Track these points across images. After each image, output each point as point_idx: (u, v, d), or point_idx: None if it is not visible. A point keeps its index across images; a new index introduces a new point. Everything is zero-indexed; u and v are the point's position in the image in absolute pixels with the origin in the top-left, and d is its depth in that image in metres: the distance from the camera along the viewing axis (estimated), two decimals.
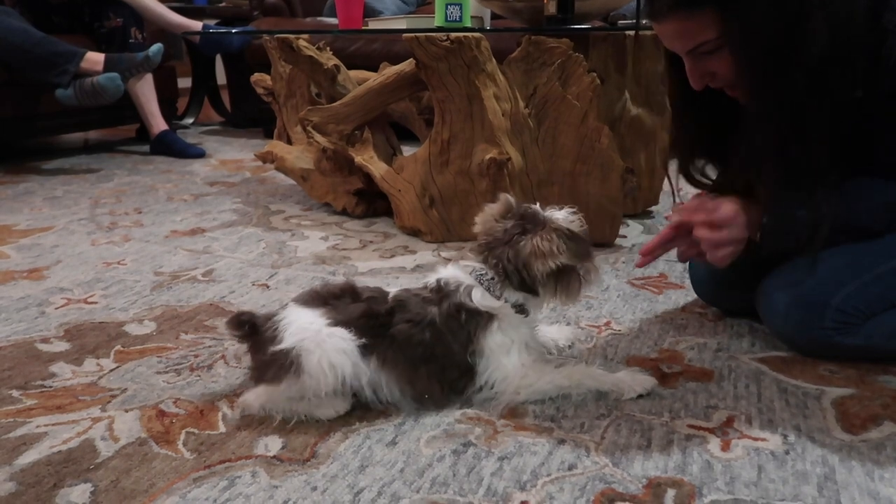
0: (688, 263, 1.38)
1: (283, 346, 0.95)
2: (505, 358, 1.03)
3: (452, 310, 1.02)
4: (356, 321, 0.99)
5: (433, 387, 1.02)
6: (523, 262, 1.01)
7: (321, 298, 1.03)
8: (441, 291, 1.04)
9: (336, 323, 0.98)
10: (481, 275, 1.04)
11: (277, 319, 0.99)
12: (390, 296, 1.05)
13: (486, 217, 1.08)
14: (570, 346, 1.21)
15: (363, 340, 0.98)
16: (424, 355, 1.01)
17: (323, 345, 0.95)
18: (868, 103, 1.00)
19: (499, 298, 1.03)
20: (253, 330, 1.01)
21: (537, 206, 1.06)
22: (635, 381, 1.05)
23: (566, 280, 1.03)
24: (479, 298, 1.02)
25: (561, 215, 1.03)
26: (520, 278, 1.03)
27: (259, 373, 1.00)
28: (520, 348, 1.04)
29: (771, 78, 0.97)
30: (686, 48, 1.02)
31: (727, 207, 1.07)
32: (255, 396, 0.99)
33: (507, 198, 1.08)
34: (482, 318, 1.02)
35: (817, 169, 1.00)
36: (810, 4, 0.92)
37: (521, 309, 1.05)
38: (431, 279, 1.07)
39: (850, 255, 1.10)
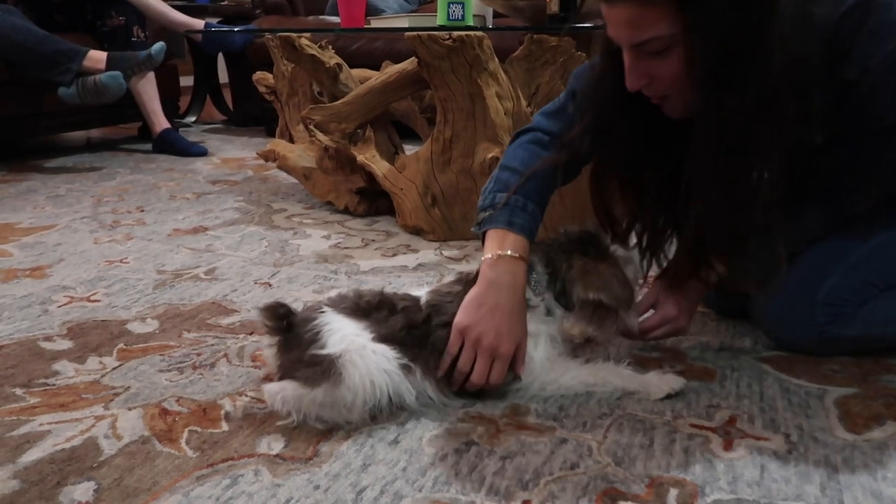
0: None
1: (327, 350, 0.94)
2: (533, 350, 1.03)
3: None
4: (398, 335, 0.99)
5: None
6: (570, 278, 1.03)
7: (361, 310, 1.02)
8: (473, 283, 1.04)
9: (380, 338, 0.97)
10: (531, 268, 1.05)
11: (319, 323, 0.98)
12: (423, 301, 1.05)
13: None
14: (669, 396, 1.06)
15: (406, 358, 0.97)
16: None
17: (368, 361, 0.94)
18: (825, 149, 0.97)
19: (536, 297, 1.05)
20: (289, 326, 1.00)
21: (602, 234, 1.07)
22: (663, 381, 1.04)
23: (603, 315, 1.04)
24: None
25: (622, 253, 1.05)
26: (562, 290, 1.04)
27: (290, 369, 0.98)
28: (546, 341, 1.04)
29: (722, 90, 0.90)
30: (633, 40, 0.93)
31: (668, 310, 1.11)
32: (280, 390, 0.97)
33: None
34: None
35: (764, 202, 0.94)
36: (771, 22, 0.88)
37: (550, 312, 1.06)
38: (467, 270, 1.08)
39: (826, 248, 1.12)
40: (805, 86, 0.92)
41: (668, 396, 1.03)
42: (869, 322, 1.10)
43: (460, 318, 1.01)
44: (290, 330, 1.00)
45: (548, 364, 1.03)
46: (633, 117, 1.03)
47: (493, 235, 1.06)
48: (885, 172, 1.07)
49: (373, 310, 1.02)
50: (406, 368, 0.98)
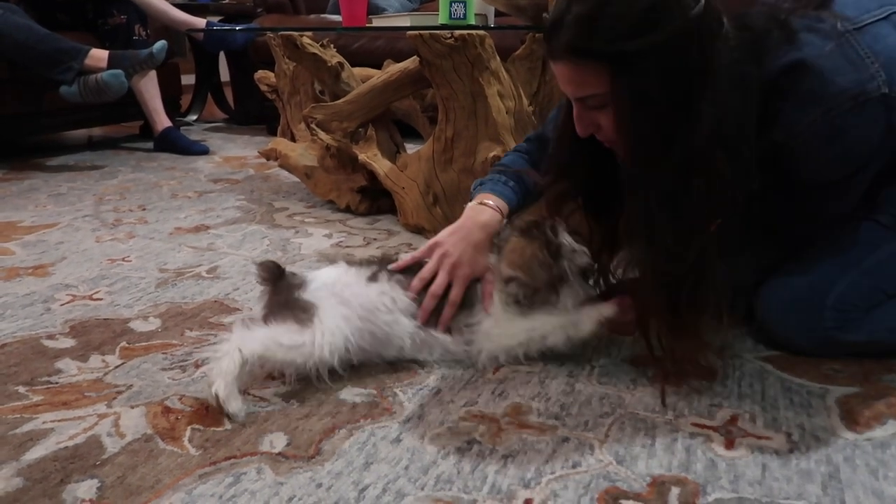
0: None
1: (305, 295, 1.07)
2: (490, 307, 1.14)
3: None
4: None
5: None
6: (502, 255, 1.14)
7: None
8: None
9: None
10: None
11: (306, 274, 1.12)
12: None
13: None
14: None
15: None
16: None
17: (334, 303, 1.06)
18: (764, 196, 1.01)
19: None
20: (279, 276, 1.12)
21: (563, 228, 1.12)
22: (594, 310, 1.10)
23: (527, 291, 1.11)
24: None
25: (568, 242, 1.10)
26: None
27: (269, 313, 1.07)
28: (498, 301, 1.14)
29: (648, 149, 0.95)
30: (575, 94, 1.00)
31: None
32: (255, 339, 1.03)
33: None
34: None
35: (696, 249, 0.96)
36: (704, 88, 0.91)
37: None
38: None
39: (837, 253, 1.11)
40: (738, 142, 0.96)
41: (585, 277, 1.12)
42: (875, 328, 1.10)
43: (437, 236, 1.19)
44: (279, 280, 1.11)
45: (496, 320, 1.12)
46: (591, 156, 1.10)
47: (477, 196, 1.24)
48: (832, 215, 1.12)
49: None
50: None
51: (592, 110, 1.01)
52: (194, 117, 4.12)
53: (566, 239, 1.11)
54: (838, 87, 0.96)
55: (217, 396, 0.98)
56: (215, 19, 3.80)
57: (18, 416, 1.00)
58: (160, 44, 2.89)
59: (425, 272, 1.15)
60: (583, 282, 1.13)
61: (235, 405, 0.98)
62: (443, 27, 1.74)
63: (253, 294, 1.46)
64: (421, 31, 1.63)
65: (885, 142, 1.01)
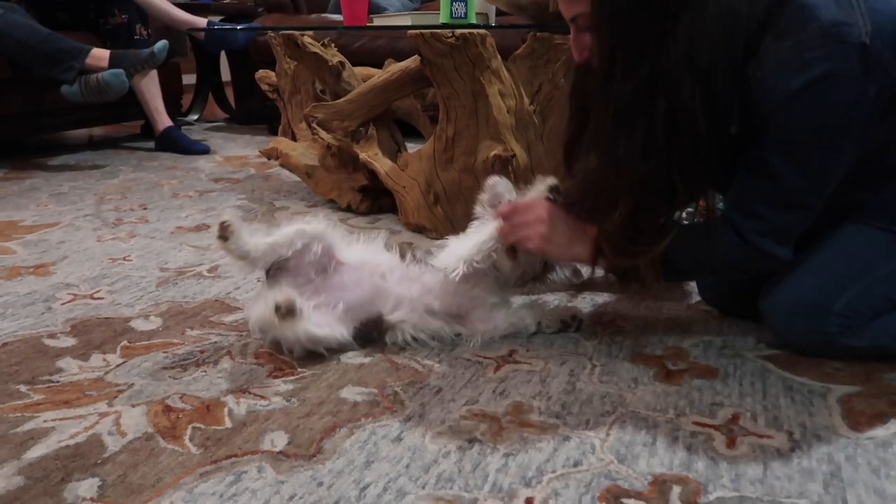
0: None
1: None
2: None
3: None
4: None
5: None
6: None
7: None
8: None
9: None
10: None
11: None
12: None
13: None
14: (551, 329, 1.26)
15: None
16: None
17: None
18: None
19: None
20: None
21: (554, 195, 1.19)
22: (562, 310, 1.28)
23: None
24: None
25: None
26: None
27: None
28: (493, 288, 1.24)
29: (620, 66, 0.98)
30: (567, 15, 1.05)
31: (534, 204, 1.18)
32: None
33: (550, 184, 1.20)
34: None
35: (635, 174, 1.01)
36: (683, 8, 0.93)
37: None
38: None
39: (849, 258, 1.09)
40: (712, 74, 0.96)
41: (564, 326, 1.24)
42: (878, 335, 1.08)
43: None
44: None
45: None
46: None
47: None
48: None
49: None
50: None
51: (582, 32, 1.04)
52: (195, 117, 4.12)
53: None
54: (815, 20, 0.94)
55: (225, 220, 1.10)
56: (216, 19, 3.80)
57: (19, 414, 1.01)
58: (161, 43, 2.89)
59: (517, 210, 1.18)
60: None
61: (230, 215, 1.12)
62: (444, 26, 1.75)
63: (254, 293, 1.46)
64: (422, 31, 1.63)
65: (860, 106, 0.96)
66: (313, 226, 1.20)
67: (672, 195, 1.04)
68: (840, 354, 1.12)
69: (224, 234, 1.11)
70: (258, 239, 1.15)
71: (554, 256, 1.22)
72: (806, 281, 1.10)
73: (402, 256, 1.28)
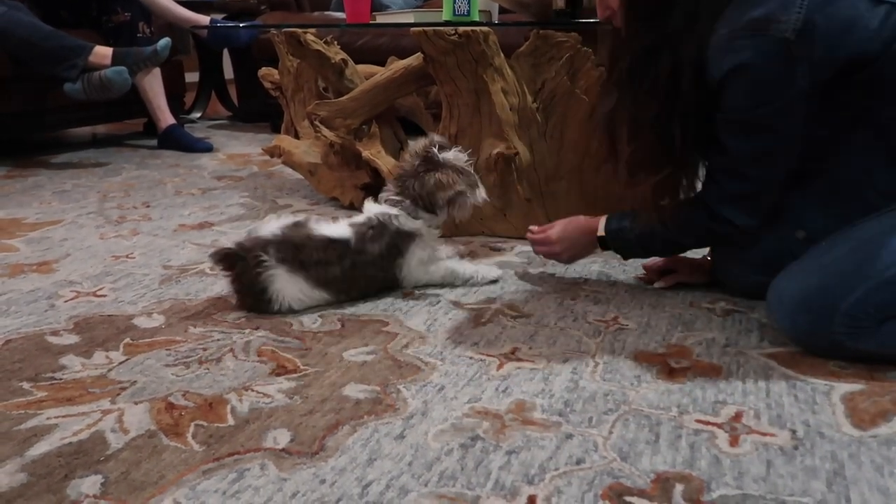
0: (709, 248, 1.42)
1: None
2: (421, 268, 1.44)
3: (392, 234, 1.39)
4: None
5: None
6: (428, 191, 1.38)
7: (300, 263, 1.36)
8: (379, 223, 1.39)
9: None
10: (400, 202, 1.41)
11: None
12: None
13: (407, 152, 1.47)
14: (494, 281, 1.50)
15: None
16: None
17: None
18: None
19: (416, 219, 1.41)
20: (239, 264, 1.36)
21: (435, 150, 1.40)
22: (487, 270, 1.51)
23: (459, 202, 1.41)
24: (406, 222, 1.40)
25: (452, 155, 1.41)
26: (425, 203, 1.40)
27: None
28: (434, 257, 1.46)
29: (634, 31, 1.17)
30: None
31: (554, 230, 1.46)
32: None
33: (431, 139, 1.44)
34: (410, 237, 1.41)
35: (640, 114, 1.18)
36: None
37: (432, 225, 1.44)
38: (367, 216, 1.41)
39: (858, 256, 1.08)
40: (701, 44, 1.12)
41: (493, 282, 1.48)
42: (885, 340, 1.07)
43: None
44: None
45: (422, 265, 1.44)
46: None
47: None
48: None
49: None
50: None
51: None
52: (198, 115, 4.13)
53: (457, 154, 1.41)
54: (751, 11, 1.05)
55: None
56: (219, 17, 3.80)
57: (23, 411, 1.01)
58: (164, 41, 2.89)
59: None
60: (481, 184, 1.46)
61: None
62: (447, 24, 1.74)
63: None
64: (425, 28, 1.63)
65: (787, 95, 1.09)
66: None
67: (672, 141, 1.17)
68: (844, 356, 1.11)
69: None
70: None
71: (579, 258, 1.53)
72: (813, 278, 1.10)
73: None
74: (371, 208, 1.42)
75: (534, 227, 1.51)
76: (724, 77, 1.09)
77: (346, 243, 1.36)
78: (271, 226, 1.35)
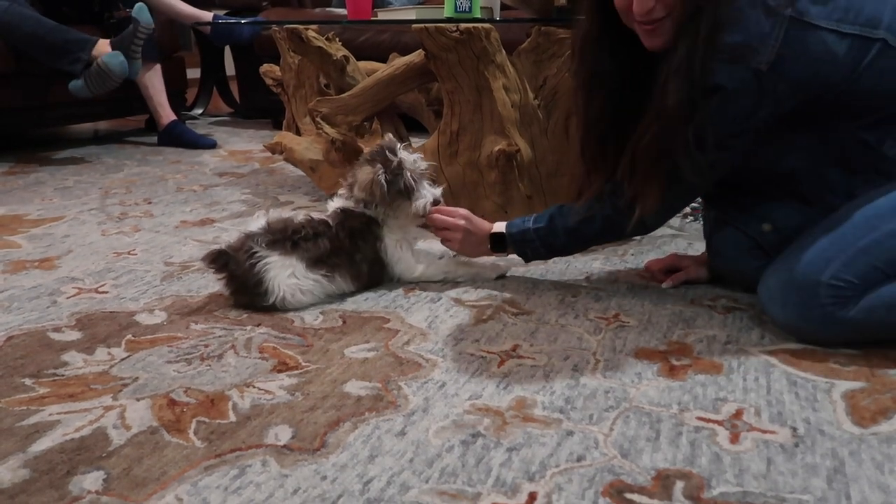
0: (707, 238, 1.42)
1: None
2: (399, 251, 1.45)
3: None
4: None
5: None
6: (356, 186, 1.43)
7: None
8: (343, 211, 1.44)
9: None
10: (350, 198, 1.46)
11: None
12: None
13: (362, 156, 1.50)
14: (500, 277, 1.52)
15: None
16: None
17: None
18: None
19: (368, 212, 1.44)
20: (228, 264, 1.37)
21: (394, 146, 1.43)
22: (493, 266, 1.52)
23: (399, 202, 1.43)
24: (363, 209, 1.44)
25: (404, 156, 1.42)
26: (364, 202, 1.44)
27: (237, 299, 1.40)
28: (406, 243, 1.47)
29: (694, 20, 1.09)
30: None
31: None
32: None
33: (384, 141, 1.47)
34: (376, 221, 1.44)
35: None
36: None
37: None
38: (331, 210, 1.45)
39: (832, 233, 1.14)
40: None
41: (500, 277, 1.49)
42: (872, 306, 1.10)
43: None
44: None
45: (413, 260, 1.48)
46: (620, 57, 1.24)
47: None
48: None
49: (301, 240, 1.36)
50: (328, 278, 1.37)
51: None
52: (199, 111, 4.12)
53: (404, 154, 1.42)
54: (734, 36, 1.06)
55: None
56: (221, 13, 3.80)
57: (25, 408, 1.01)
58: (137, 6, 2.78)
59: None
60: (430, 184, 1.47)
61: None
62: (448, 20, 1.74)
63: None
64: (426, 25, 1.63)
65: (750, 121, 1.13)
66: None
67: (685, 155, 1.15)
68: (838, 335, 1.14)
69: None
70: None
71: (467, 255, 1.53)
72: (795, 260, 1.15)
73: None
74: (329, 205, 1.49)
75: (451, 209, 1.50)
76: (694, 98, 1.11)
77: (327, 222, 1.42)
78: (258, 221, 1.40)
